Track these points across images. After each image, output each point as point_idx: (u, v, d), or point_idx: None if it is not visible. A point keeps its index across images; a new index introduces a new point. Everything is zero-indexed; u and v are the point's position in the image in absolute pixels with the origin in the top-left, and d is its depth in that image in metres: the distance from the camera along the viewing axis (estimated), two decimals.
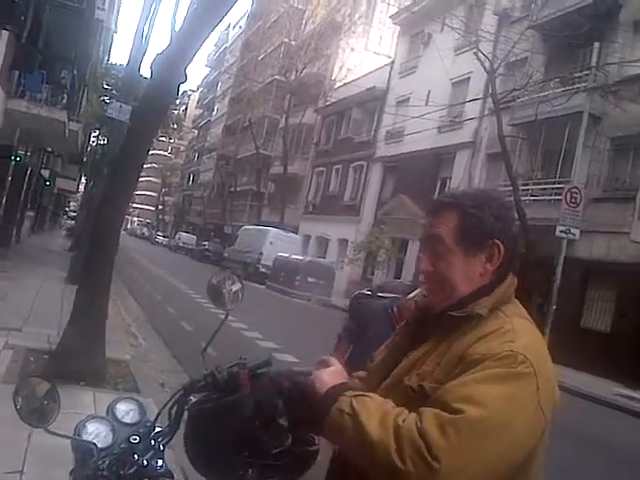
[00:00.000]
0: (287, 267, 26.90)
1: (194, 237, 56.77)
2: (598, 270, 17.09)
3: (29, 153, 21.32)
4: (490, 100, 20.01)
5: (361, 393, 1.32)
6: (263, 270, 30.01)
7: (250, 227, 36.34)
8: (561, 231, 15.38)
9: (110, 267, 6.60)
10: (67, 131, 16.61)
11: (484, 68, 19.16)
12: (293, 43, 42.04)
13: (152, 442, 1.47)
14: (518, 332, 1.32)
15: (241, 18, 69.37)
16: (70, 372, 5.71)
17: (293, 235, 33.27)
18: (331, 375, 1.39)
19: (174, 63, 6.36)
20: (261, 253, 31.00)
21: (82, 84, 20.76)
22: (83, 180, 36.59)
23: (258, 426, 1.37)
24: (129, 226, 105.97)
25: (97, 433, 1.47)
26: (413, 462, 1.15)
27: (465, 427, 1.17)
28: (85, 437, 1.45)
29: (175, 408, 1.49)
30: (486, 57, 19.06)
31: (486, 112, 23.06)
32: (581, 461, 7.34)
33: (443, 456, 1.15)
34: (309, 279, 25.43)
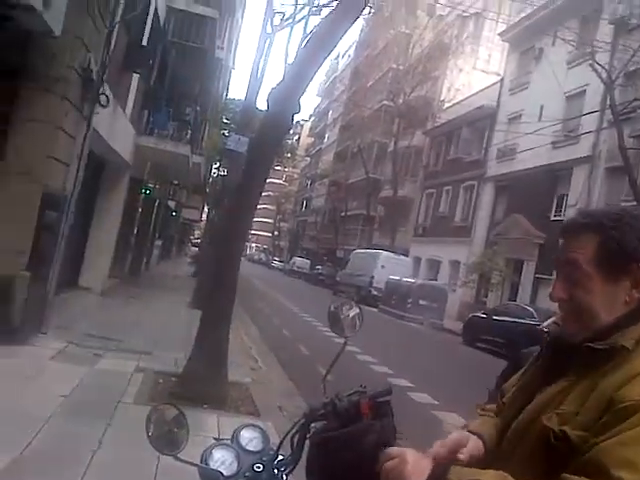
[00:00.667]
0: (399, 290, 26.74)
1: (308, 261, 57.89)
2: None
3: (157, 186, 22.52)
4: (608, 112, 19.01)
5: (470, 477, 1.16)
6: (375, 293, 30.05)
7: (361, 251, 36.54)
8: None
9: (232, 293, 6.80)
10: (191, 164, 17.51)
11: (601, 79, 18.30)
12: (401, 68, 42.23)
13: (275, 471, 1.48)
14: None
15: (350, 47, 70.74)
16: (195, 395, 5.96)
17: (404, 258, 33.16)
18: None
19: (288, 95, 6.58)
20: (373, 276, 31.06)
21: (204, 119, 21.93)
22: (206, 209, 38.54)
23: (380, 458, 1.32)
24: (247, 252, 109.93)
25: (222, 460, 1.48)
26: None
27: None
28: (211, 464, 1.47)
29: (297, 436, 1.49)
30: (603, 68, 18.22)
31: (604, 125, 21.88)
32: None
33: None
34: (421, 302, 25.09)
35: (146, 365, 7.42)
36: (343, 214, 53.22)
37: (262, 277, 43.94)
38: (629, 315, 1.26)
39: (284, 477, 1.47)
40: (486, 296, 28.25)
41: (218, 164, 32.40)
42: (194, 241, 67.73)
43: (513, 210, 27.34)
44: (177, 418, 1.48)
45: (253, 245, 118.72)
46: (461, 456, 1.27)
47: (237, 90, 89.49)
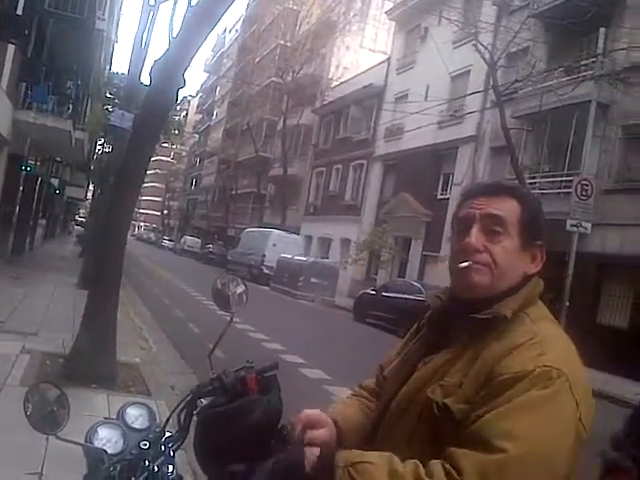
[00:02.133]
0: (290, 268, 26.77)
1: (199, 240, 57.86)
2: (613, 264, 16.49)
3: (39, 163, 21.97)
4: (492, 92, 19.48)
5: (356, 459, 1.15)
6: (267, 272, 30.02)
7: (252, 229, 36.23)
8: (572, 225, 14.86)
9: (119, 272, 6.77)
10: (73, 140, 17.06)
11: (484, 60, 18.65)
12: (289, 44, 41.93)
13: (162, 448, 1.46)
14: (548, 341, 1.20)
15: (237, 22, 69.52)
16: (83, 375, 5.97)
17: (295, 236, 33.20)
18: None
19: (172, 69, 6.46)
20: (264, 255, 30.99)
21: (86, 94, 21.26)
22: (91, 188, 37.39)
23: (266, 431, 1.33)
24: (136, 231, 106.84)
25: (108, 438, 1.46)
26: None
27: (509, 469, 1.06)
28: (96, 442, 1.45)
29: (184, 413, 1.47)
30: (486, 49, 18.54)
31: (488, 105, 22.53)
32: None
33: None
34: (312, 280, 25.23)
35: (32, 346, 7.25)
36: (233, 192, 52.77)
37: (152, 257, 43.01)
38: (512, 287, 1.30)
39: (171, 453, 1.46)
40: (376, 273, 28.70)
41: (103, 140, 31.36)
42: (80, 220, 64.97)
43: (401, 189, 27.80)
44: (57, 397, 1.46)
45: (142, 224, 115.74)
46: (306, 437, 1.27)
47: (121, 65, 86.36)
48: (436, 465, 1.09)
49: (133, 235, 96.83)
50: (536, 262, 1.34)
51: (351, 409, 1.51)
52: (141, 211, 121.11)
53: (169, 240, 71.43)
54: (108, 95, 32.18)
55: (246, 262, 32.65)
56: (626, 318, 16.11)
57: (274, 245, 30.68)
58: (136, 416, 1.55)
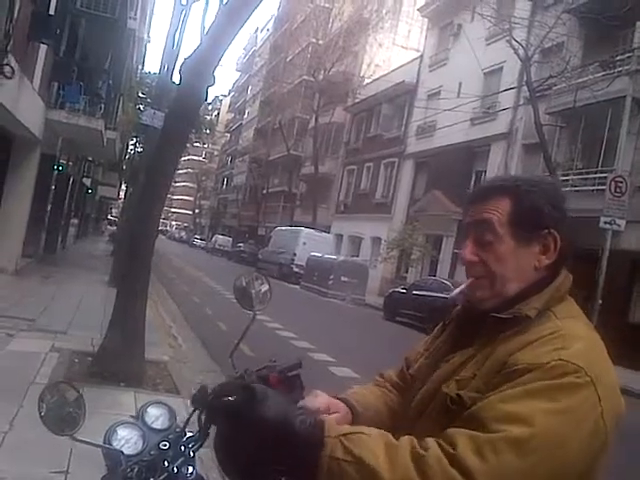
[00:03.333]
0: (320, 267, 26.77)
1: (230, 239, 58.06)
2: None
3: (71, 163, 22.05)
4: (525, 89, 19.26)
5: (349, 430, 1.09)
6: (297, 270, 30.10)
7: (283, 228, 36.35)
8: (605, 222, 14.62)
9: (147, 270, 6.77)
10: (105, 139, 17.15)
11: (518, 56, 18.46)
12: (320, 42, 41.87)
13: (182, 448, 1.43)
14: (571, 337, 1.14)
15: (268, 21, 69.79)
16: (111, 373, 6.03)
17: (325, 235, 33.16)
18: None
19: (202, 66, 6.46)
20: (294, 253, 31.05)
21: (117, 93, 21.45)
22: (123, 187, 37.92)
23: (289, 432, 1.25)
24: (168, 230, 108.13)
25: (127, 439, 1.44)
26: None
27: (507, 447, 1.00)
28: (115, 443, 1.42)
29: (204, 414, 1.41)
30: (520, 44, 18.36)
31: (521, 101, 22.26)
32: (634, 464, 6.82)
33: None
34: (342, 278, 25.19)
35: (61, 345, 7.28)
36: (264, 191, 52.93)
37: (183, 255, 43.46)
38: (535, 283, 1.25)
39: (191, 454, 1.43)
40: (406, 271, 28.57)
41: (135, 140, 31.59)
42: (112, 220, 65.95)
43: (432, 187, 27.63)
44: (75, 398, 1.42)
45: (174, 223, 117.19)
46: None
47: (154, 64, 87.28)
48: (431, 440, 1.05)
49: (165, 234, 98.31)
50: (549, 253, 1.25)
51: (373, 396, 1.49)
52: (173, 210, 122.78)
53: (200, 239, 71.95)
54: (140, 95, 32.54)
55: (276, 261, 32.76)
56: None
57: (304, 244, 30.71)
58: (156, 416, 1.54)
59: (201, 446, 1.45)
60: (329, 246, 31.08)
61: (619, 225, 14.68)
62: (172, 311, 12.78)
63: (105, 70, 18.04)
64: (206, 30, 6.75)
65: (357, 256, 32.10)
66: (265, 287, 1.68)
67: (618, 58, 17.57)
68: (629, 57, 16.91)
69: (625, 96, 15.78)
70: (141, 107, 26.43)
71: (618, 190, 14.76)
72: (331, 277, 25.39)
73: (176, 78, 14.77)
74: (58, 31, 13.55)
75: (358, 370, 9.32)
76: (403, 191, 31.49)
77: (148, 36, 35.72)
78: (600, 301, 14.45)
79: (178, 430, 1.48)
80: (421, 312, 17.34)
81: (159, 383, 6.44)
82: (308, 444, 1.08)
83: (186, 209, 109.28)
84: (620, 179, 14.92)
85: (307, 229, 32.62)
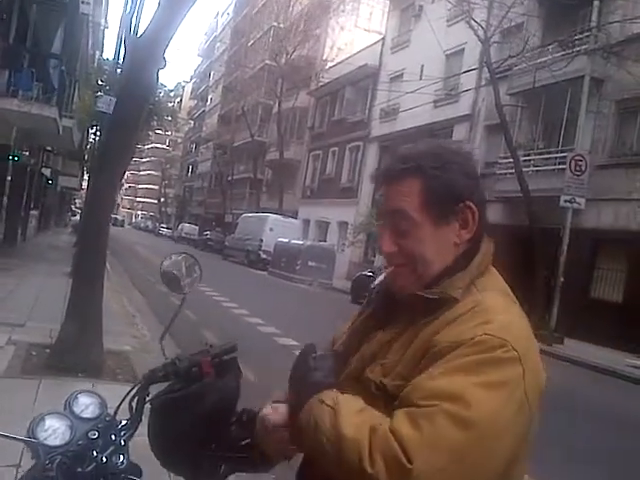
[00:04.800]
0: (288, 252, 26.70)
1: (196, 227, 57.69)
2: (607, 239, 16.48)
3: (27, 153, 21.54)
4: (486, 70, 19.33)
5: (330, 395, 1.13)
6: (264, 256, 29.98)
7: (249, 214, 36.16)
8: (565, 201, 14.83)
9: (102, 259, 6.68)
10: (60, 128, 16.71)
11: (478, 37, 18.48)
12: (282, 26, 41.49)
13: (113, 437, 1.39)
14: (493, 310, 1.13)
15: (229, 5, 68.89)
16: (69, 365, 5.92)
17: (292, 220, 33.10)
18: None
19: (151, 47, 6.27)
20: (261, 240, 30.93)
21: (73, 80, 20.75)
22: (86, 177, 37.01)
23: (222, 416, 1.31)
24: (133, 220, 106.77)
25: (54, 430, 1.38)
26: (384, 463, 0.99)
27: (440, 418, 1.00)
28: (41, 435, 1.37)
29: (136, 400, 1.41)
30: (479, 25, 18.35)
31: (483, 83, 22.38)
32: (591, 434, 7.08)
33: (417, 453, 0.97)
34: (310, 263, 25.22)
35: (19, 338, 7.13)
36: (230, 178, 52.53)
37: (149, 245, 43.01)
38: (458, 259, 1.22)
39: (122, 443, 1.40)
40: (374, 255, 28.65)
41: (95, 129, 30.93)
42: (76, 211, 64.87)
43: None
44: None
45: (139, 213, 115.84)
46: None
47: (113, 50, 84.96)
48: (388, 420, 1.05)
49: (130, 224, 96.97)
50: (468, 226, 1.22)
51: None
52: (138, 199, 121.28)
53: (167, 228, 71.50)
54: (99, 82, 31.97)
55: (244, 247, 32.59)
56: (620, 292, 16.13)
57: (271, 230, 30.58)
58: (86, 405, 1.48)
59: (133, 434, 1.42)
60: (296, 231, 31.00)
61: (579, 203, 14.91)
62: (137, 301, 12.56)
63: (57, 56, 17.72)
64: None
65: (324, 241, 32.12)
66: (194, 267, 1.64)
67: (577, 37, 17.77)
68: (587, 36, 17.13)
69: (584, 75, 15.99)
70: (99, 94, 26.10)
71: (578, 169, 14.97)
72: (298, 262, 25.37)
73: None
74: (5, 16, 13.30)
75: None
76: (368, 175, 31.30)
77: (105, 22, 34.91)
78: (562, 278, 14.68)
79: (108, 419, 1.44)
80: None
81: (119, 373, 6.34)
82: (315, 386, 1.15)
83: (151, 198, 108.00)
84: (580, 158, 15.14)
85: (274, 215, 32.49)
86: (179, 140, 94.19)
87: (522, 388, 1.06)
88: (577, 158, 15.10)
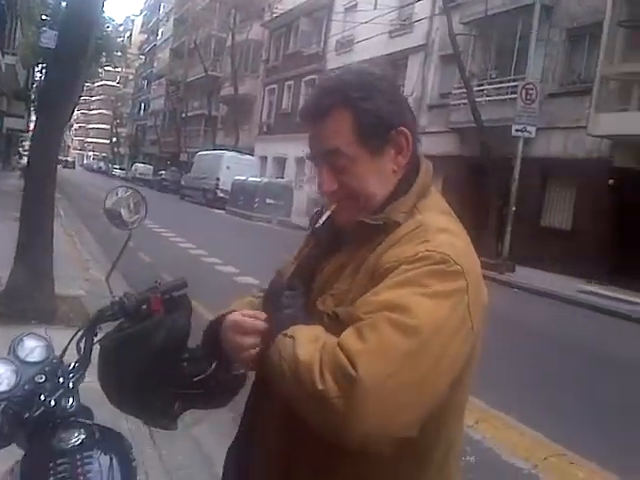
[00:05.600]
0: (245, 190, 26.52)
1: (151, 167, 56.61)
2: (556, 167, 16.82)
3: None
4: None
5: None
6: (222, 195, 29.65)
7: (205, 153, 35.53)
8: (517, 130, 15.01)
9: (51, 203, 6.56)
10: (2, 65, 16.21)
11: None
12: None
13: (61, 380, 1.36)
14: (434, 229, 1.13)
15: None
16: (20, 311, 5.83)
17: (249, 157, 32.72)
18: None
19: None
20: (218, 178, 30.52)
21: (13, 15, 19.58)
22: (33, 118, 35.45)
23: (173, 353, 1.28)
24: (85, 161, 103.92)
25: None
26: (333, 377, 0.99)
27: (384, 326, 1.00)
28: None
29: (84, 341, 1.38)
30: None
31: (437, 12, 22.08)
32: (545, 358, 7.37)
33: (362, 361, 0.98)
34: (268, 201, 25.16)
35: None
36: (184, 115, 51.38)
37: (102, 187, 41.62)
38: (399, 185, 1.22)
39: (71, 385, 1.37)
40: None
41: (41, 66, 29.59)
42: (24, 153, 62.74)
43: None
44: None
45: (91, 154, 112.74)
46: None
47: None
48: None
49: (82, 165, 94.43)
50: (403, 151, 1.22)
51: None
52: (89, 140, 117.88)
53: (120, 169, 69.85)
54: (43, 17, 30.46)
55: (200, 187, 32.13)
56: (569, 220, 16.61)
57: (228, 168, 30.14)
58: (32, 348, 1.44)
59: (82, 376, 1.39)
60: (253, 169, 30.70)
61: (530, 132, 15.10)
62: (90, 245, 12.37)
63: None
64: None
65: (282, 177, 31.92)
66: (137, 200, 1.62)
67: None
68: None
69: (534, 3, 15.88)
70: (44, 29, 24.91)
71: (529, 97, 15.08)
72: (256, 200, 25.25)
73: None
74: None
75: None
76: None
77: None
78: (514, 207, 15.02)
79: (56, 361, 1.41)
80: None
81: (73, 318, 6.19)
82: (285, 320, 1.13)
83: (103, 138, 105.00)
84: (531, 86, 15.24)
85: (230, 152, 31.99)
86: (130, 77, 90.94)
87: (465, 302, 1.06)
88: (528, 87, 15.20)
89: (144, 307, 1.34)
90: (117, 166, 73.94)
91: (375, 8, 24.94)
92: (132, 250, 12.99)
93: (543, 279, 14.02)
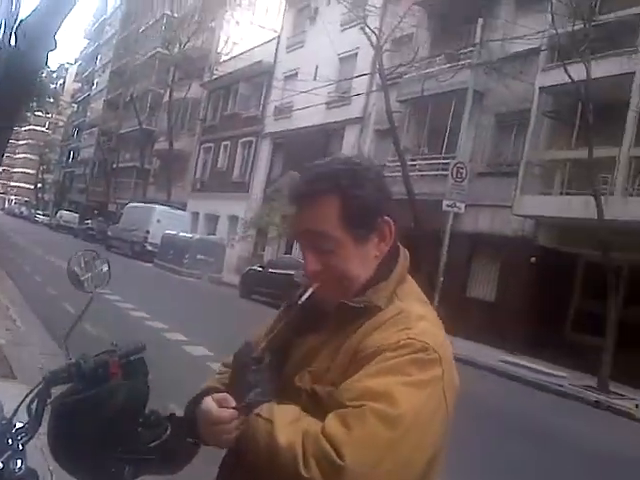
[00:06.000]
0: (176, 245, 26.25)
1: (76, 215, 54.90)
2: (483, 242, 17.71)
3: None
4: (378, 76, 20.06)
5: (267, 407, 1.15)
6: (150, 248, 29.14)
7: (135, 204, 34.88)
8: (447, 205, 15.73)
9: None
10: None
11: (371, 43, 19.10)
12: (176, 15, 40.55)
13: (10, 441, 1.30)
14: (415, 317, 1.19)
15: None
16: None
17: (181, 212, 32.42)
18: None
19: (42, 28, 5.96)
20: (148, 231, 29.99)
21: None
22: None
23: (131, 418, 1.25)
24: (6, 205, 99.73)
25: None
26: (318, 466, 1.02)
27: (370, 417, 1.04)
28: None
29: (36, 402, 1.31)
30: (373, 32, 18.95)
31: (374, 88, 23.15)
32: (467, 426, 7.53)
33: (348, 451, 1.01)
34: (199, 257, 24.91)
35: None
36: (115, 166, 50.62)
37: (24, 232, 40.46)
38: (380, 269, 1.27)
39: (20, 447, 1.31)
40: (263, 250, 28.85)
41: None
42: None
43: (289, 167, 27.94)
44: None
45: (13, 198, 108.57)
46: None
47: None
48: (319, 422, 1.09)
49: (3, 209, 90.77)
50: (386, 239, 1.27)
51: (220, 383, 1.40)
52: (12, 184, 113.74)
53: (44, 215, 67.41)
54: None
55: (128, 238, 31.43)
56: (493, 292, 17.41)
57: (158, 221, 29.78)
58: None
59: (32, 438, 1.33)
60: (185, 224, 30.41)
61: (459, 208, 15.87)
62: (11, 292, 11.82)
63: None
64: None
65: (214, 234, 31.78)
66: (103, 266, 1.59)
67: (462, 51, 18.85)
68: (471, 51, 18.21)
69: (467, 88, 16.99)
70: None
71: (459, 175, 15.93)
72: (187, 255, 25.00)
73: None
74: None
75: (212, 348, 9.26)
76: (261, 171, 31.62)
77: None
78: (442, 278, 15.57)
79: (4, 422, 1.35)
80: (277, 289, 17.63)
81: None
82: (255, 404, 1.15)
83: (27, 183, 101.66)
84: (461, 165, 16.12)
85: (161, 206, 31.63)
86: (60, 123, 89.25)
87: (441, 387, 1.13)
88: (459, 165, 16.07)
89: (101, 370, 1.30)
90: (40, 212, 71.47)
91: (315, 79, 25.88)
92: (55, 299, 12.53)
93: (468, 348, 14.41)
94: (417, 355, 1.12)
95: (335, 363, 1.19)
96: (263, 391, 1.18)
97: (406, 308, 1.21)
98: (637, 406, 10.83)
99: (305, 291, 1.29)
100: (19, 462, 1.31)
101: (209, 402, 1.19)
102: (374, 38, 18.93)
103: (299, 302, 1.28)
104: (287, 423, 1.10)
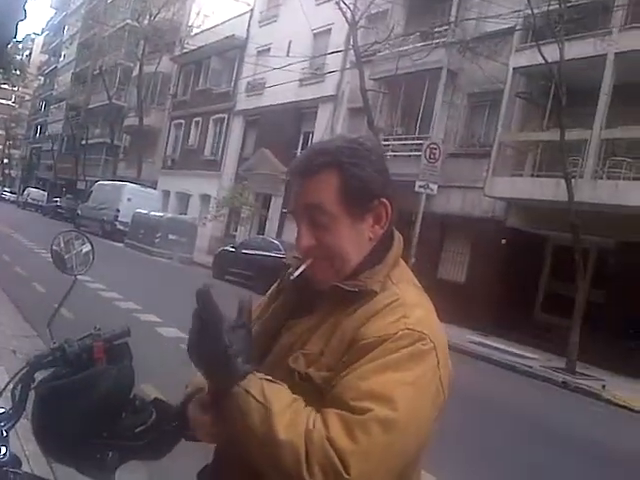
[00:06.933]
0: (146, 224, 25.83)
1: (45, 193, 54.03)
2: (454, 224, 17.74)
3: None
4: (352, 53, 19.81)
5: (271, 379, 1.13)
6: (121, 227, 28.68)
7: (105, 182, 34.31)
8: (420, 186, 15.69)
9: None
10: None
11: (346, 19, 18.84)
12: None
13: None
14: (410, 304, 1.19)
15: None
16: None
17: (152, 191, 32.02)
18: None
19: None
20: (118, 210, 29.49)
21: None
22: None
23: (116, 403, 1.26)
24: None
25: None
26: (323, 472, 1.03)
27: (375, 428, 1.06)
28: None
29: (19, 387, 1.32)
30: (348, 7, 18.69)
31: (348, 65, 22.90)
32: None
33: (353, 461, 1.03)
34: (170, 236, 24.58)
35: None
36: (84, 142, 49.57)
37: None
38: (374, 252, 1.26)
39: (4, 433, 1.31)
40: (236, 230, 28.63)
41: None
42: None
43: (262, 145, 27.72)
44: None
45: None
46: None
47: None
48: (319, 418, 1.08)
49: None
50: (381, 222, 1.27)
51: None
52: None
53: (10, 192, 66.22)
54: None
55: (98, 217, 30.88)
56: (463, 273, 17.49)
57: (129, 200, 29.28)
58: None
59: (15, 424, 1.34)
60: (156, 203, 30.02)
61: (432, 189, 15.84)
62: None
63: None
64: None
65: (185, 214, 31.48)
66: (86, 247, 1.58)
67: (436, 30, 18.69)
68: (446, 30, 18.07)
69: (441, 67, 16.91)
70: None
71: (432, 156, 15.86)
72: (158, 235, 24.65)
73: None
74: None
75: (185, 329, 9.22)
76: (233, 148, 31.24)
77: None
78: (414, 259, 15.57)
79: None
80: (250, 270, 17.55)
81: None
82: (232, 373, 1.11)
83: None
84: (434, 146, 16.04)
85: (131, 184, 31.05)
86: (27, 97, 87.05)
87: (438, 377, 1.15)
88: (432, 146, 15.99)
89: (85, 355, 1.30)
90: (7, 189, 70.02)
91: (288, 55, 25.52)
92: (25, 280, 12.32)
93: None
94: (415, 347, 1.13)
95: (329, 347, 1.19)
96: (243, 354, 1.13)
97: (402, 294, 1.21)
98: (604, 387, 11.02)
99: (297, 269, 1.28)
100: (3, 449, 1.29)
101: (190, 410, 1.25)
102: (349, 14, 18.66)
103: (291, 277, 1.27)
104: (283, 410, 1.08)
